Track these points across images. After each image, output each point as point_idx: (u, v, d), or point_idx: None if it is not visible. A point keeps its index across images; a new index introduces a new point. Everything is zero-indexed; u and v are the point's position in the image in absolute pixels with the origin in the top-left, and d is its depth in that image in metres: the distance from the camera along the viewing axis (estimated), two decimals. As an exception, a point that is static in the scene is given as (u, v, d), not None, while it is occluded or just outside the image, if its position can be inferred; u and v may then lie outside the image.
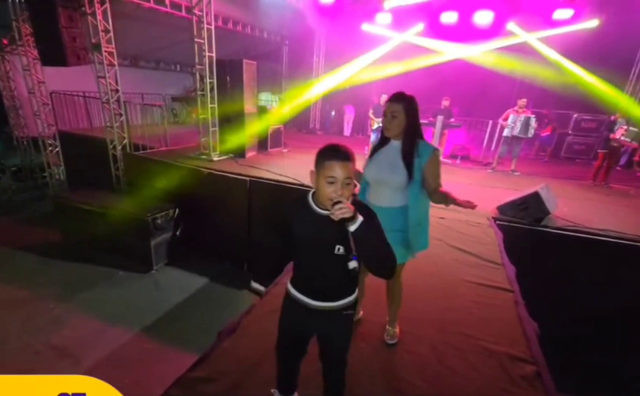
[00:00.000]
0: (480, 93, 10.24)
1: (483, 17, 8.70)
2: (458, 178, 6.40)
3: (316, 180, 1.30)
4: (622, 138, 6.55)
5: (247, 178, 5.49)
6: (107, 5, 5.80)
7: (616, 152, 6.85)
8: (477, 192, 5.61)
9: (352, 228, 1.20)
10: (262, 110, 7.84)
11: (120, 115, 6.58)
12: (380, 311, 2.34)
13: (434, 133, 7.84)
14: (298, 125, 12.60)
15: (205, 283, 5.36)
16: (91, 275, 5.29)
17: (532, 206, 4.25)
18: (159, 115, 8.00)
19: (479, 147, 9.22)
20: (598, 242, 3.95)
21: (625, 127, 6.54)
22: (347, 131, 12.25)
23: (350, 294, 1.43)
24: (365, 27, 9.97)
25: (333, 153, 1.26)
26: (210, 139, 6.60)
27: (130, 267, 5.49)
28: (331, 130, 12.85)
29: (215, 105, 6.54)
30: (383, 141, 2.00)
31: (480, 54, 9.46)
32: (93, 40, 5.85)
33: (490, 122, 8.79)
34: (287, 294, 1.51)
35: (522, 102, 7.20)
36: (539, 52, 9.05)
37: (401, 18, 9.58)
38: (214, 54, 6.22)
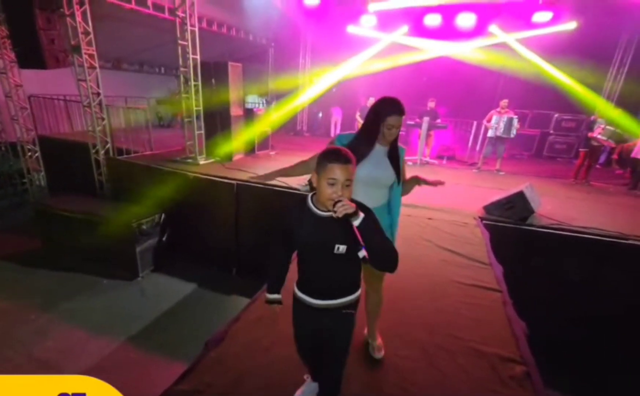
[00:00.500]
0: (465, 94, 10.42)
1: (466, 20, 8.86)
2: (444, 178, 6.41)
3: (317, 181, 1.35)
4: (599, 137, 6.75)
5: (234, 182, 5.43)
6: (87, 6, 5.65)
7: (596, 151, 7.04)
8: (463, 192, 5.69)
9: (357, 222, 1.27)
10: (249, 113, 7.78)
11: (103, 118, 6.43)
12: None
13: (420, 135, 7.92)
14: (285, 128, 12.54)
15: (193, 289, 5.27)
16: (74, 284, 5.14)
17: (517, 205, 4.33)
18: (143, 119, 7.85)
19: (464, 147, 9.35)
20: (582, 240, 4.03)
21: (602, 126, 6.74)
22: (334, 133, 12.25)
23: (350, 293, 1.47)
24: (351, 29, 10.01)
25: (334, 156, 1.31)
26: (195, 142, 6.51)
27: (115, 275, 5.36)
28: (318, 132, 12.84)
29: (201, 108, 6.46)
30: (368, 146, 1.94)
31: (465, 52, 9.62)
32: (72, 43, 5.70)
33: (475, 122, 8.94)
34: (294, 297, 1.56)
35: (504, 102, 7.35)
36: (519, 53, 9.24)
37: (385, 20, 9.66)
38: (198, 56, 6.15)
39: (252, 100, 11.82)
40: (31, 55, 5.29)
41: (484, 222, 4.38)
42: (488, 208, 4.59)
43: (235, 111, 6.87)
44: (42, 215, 5.81)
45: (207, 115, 6.69)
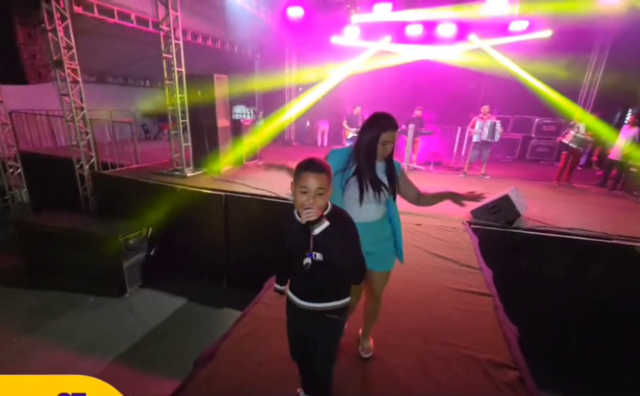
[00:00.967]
0: (449, 102, 10.68)
1: (446, 30, 9.12)
2: (432, 184, 6.55)
3: (294, 191, 1.39)
4: (568, 143, 6.98)
5: (223, 194, 5.40)
6: (69, 21, 5.60)
7: (576, 153, 7.23)
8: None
9: (315, 231, 1.31)
10: (236, 124, 7.77)
11: (87, 133, 6.33)
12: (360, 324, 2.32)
13: (406, 141, 8.04)
14: (274, 138, 12.54)
15: (183, 304, 5.19)
16: (59, 302, 5.00)
17: (503, 209, 4.40)
18: (129, 132, 7.74)
19: (450, 153, 9.51)
20: (567, 241, 4.13)
21: (572, 132, 6.96)
22: (320, 142, 12.30)
23: (334, 299, 1.50)
24: (335, 39, 10.16)
25: (308, 165, 1.36)
26: (182, 155, 6.45)
27: (102, 292, 5.23)
28: (307, 141, 12.87)
29: (187, 120, 6.43)
30: (369, 169, 1.91)
31: (447, 56, 9.85)
32: (55, 57, 5.62)
33: (459, 128, 9.11)
34: (287, 298, 1.63)
35: (485, 108, 7.53)
36: (498, 62, 9.50)
37: (369, 31, 9.85)
38: (183, 69, 6.13)
39: (240, 111, 11.81)
40: (12, 70, 5.18)
41: (472, 226, 4.44)
42: (475, 213, 4.66)
43: (222, 122, 6.85)
44: (25, 233, 5.64)
45: (194, 127, 6.64)
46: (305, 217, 1.30)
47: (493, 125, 7.33)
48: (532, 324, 2.83)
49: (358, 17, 9.30)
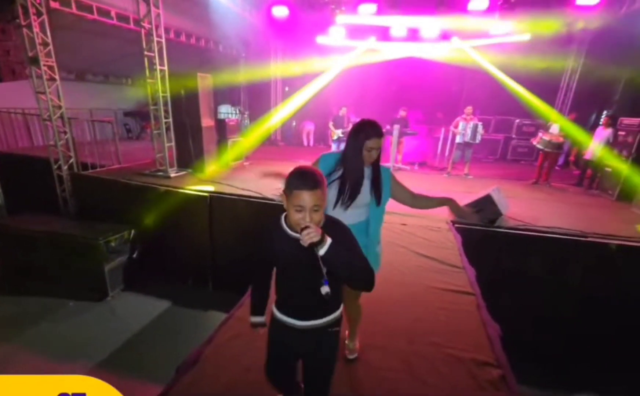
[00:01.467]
0: (433, 103, 10.85)
1: (430, 31, 9.26)
2: (416, 184, 6.58)
3: (286, 204, 1.31)
4: (537, 145, 7.24)
5: (208, 194, 5.33)
6: (45, 17, 5.39)
7: (552, 154, 7.44)
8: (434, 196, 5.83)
9: (321, 252, 1.21)
10: (221, 123, 7.68)
11: (65, 132, 6.14)
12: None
13: (391, 142, 8.10)
14: (259, 137, 12.48)
15: (167, 307, 5.09)
16: (37, 308, 4.82)
17: (485, 208, 4.48)
18: (110, 131, 7.55)
19: (434, 153, 9.64)
20: (546, 239, 4.25)
21: (540, 134, 7.21)
22: (306, 142, 12.29)
23: (333, 311, 1.45)
24: (320, 39, 10.17)
25: (301, 181, 1.25)
26: (166, 154, 6.34)
27: (83, 296, 5.08)
28: (293, 142, 12.81)
29: (170, 120, 6.32)
30: (357, 173, 1.95)
31: (431, 54, 10.09)
32: (30, 54, 5.42)
33: (443, 129, 9.26)
34: (273, 318, 1.51)
35: (469, 109, 7.68)
36: (479, 64, 9.72)
37: (354, 32, 9.94)
38: (165, 67, 6.02)
39: (225, 110, 11.67)
40: (-15, 67, 5.00)
41: (456, 225, 4.52)
42: (459, 212, 4.73)
43: (206, 122, 6.76)
44: (-1, 237, 5.45)
45: (178, 127, 6.54)
46: (306, 239, 1.18)
47: (475, 127, 7.47)
48: (513, 322, 2.90)
49: (343, 18, 9.36)
